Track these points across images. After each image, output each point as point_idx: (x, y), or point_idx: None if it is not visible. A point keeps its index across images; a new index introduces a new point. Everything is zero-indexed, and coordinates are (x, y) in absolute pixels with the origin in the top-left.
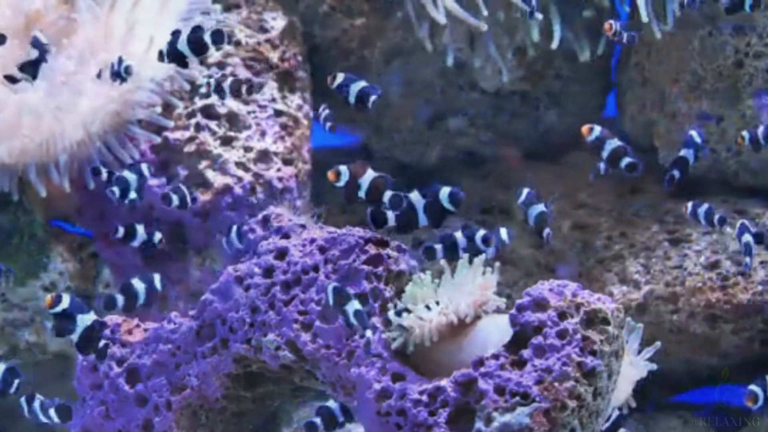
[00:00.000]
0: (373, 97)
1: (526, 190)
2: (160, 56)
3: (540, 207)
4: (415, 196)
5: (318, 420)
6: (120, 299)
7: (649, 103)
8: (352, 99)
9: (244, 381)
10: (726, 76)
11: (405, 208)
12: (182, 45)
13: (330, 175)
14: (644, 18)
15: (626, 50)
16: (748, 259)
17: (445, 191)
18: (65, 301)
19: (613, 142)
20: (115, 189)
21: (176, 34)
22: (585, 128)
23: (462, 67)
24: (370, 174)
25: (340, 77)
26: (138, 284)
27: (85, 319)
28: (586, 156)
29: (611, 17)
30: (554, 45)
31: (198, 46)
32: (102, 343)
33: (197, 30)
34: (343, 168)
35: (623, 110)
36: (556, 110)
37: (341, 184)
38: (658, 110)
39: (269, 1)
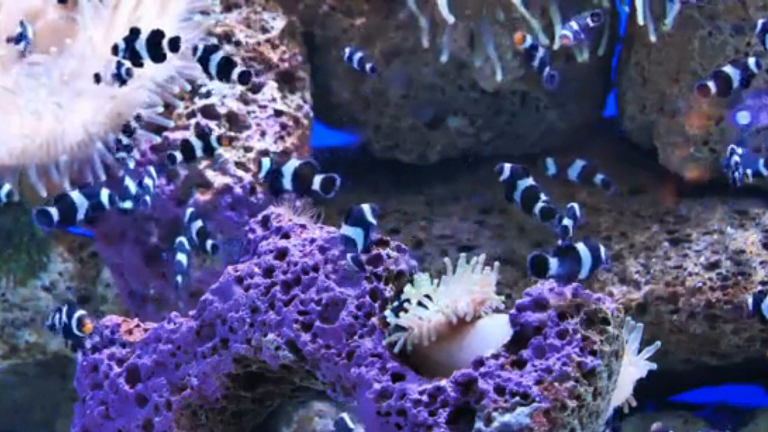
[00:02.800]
0: (238, 69)
1: (508, 165)
2: (114, 50)
3: (528, 181)
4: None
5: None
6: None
7: (649, 103)
8: (213, 70)
9: (244, 381)
10: None
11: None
12: (140, 46)
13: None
14: (641, 20)
15: (626, 50)
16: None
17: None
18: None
19: (541, 52)
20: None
21: (135, 32)
22: (518, 36)
23: (462, 67)
24: (293, 162)
25: (200, 49)
26: None
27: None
28: (586, 156)
29: (611, 17)
30: (556, 46)
31: (155, 52)
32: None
33: (157, 34)
34: (265, 160)
35: (623, 110)
36: (556, 110)
37: (262, 175)
38: (658, 110)
39: (269, 1)
